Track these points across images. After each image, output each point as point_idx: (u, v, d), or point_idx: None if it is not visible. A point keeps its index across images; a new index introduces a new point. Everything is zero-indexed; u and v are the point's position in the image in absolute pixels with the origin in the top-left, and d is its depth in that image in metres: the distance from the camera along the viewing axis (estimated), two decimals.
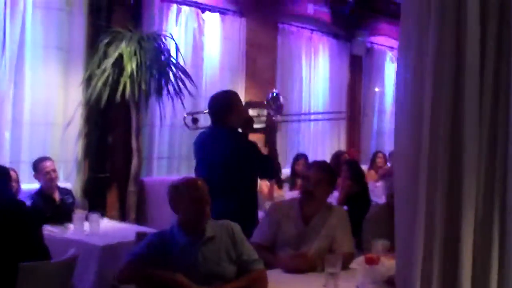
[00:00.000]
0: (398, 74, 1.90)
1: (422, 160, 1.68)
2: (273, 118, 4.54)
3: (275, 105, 4.64)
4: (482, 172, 1.64)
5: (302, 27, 8.10)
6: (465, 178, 1.64)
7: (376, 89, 9.48)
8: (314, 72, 8.33)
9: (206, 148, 4.12)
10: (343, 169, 6.46)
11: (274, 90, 5.11)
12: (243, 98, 7.26)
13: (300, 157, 7.38)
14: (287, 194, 6.59)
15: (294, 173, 7.27)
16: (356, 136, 9.15)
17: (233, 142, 4.05)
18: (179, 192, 3.01)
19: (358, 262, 2.99)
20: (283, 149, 7.80)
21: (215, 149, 4.03)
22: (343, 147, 8.91)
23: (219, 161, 3.97)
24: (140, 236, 3.44)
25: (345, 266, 3.07)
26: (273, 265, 3.37)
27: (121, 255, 3.64)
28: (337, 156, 7.64)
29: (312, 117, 8.35)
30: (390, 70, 9.67)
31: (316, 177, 3.64)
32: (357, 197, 6.08)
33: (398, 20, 1.83)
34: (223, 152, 3.98)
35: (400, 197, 1.80)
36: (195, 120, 4.45)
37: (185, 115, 4.67)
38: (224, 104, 4.13)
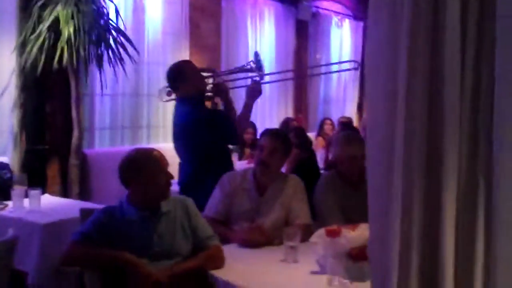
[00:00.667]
0: (370, 39, 1.72)
1: (398, 138, 1.53)
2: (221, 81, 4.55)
3: (257, 65, 4.49)
4: (464, 146, 1.50)
5: None
6: (445, 152, 1.50)
7: (318, 56, 9.35)
8: (260, 38, 8.13)
9: (174, 118, 4.17)
10: (291, 136, 6.32)
11: (255, 50, 5.17)
12: None
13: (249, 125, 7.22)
14: (237, 164, 6.43)
15: (242, 142, 7.10)
16: (303, 103, 9.05)
17: (188, 110, 3.99)
18: (135, 166, 2.80)
19: (318, 235, 2.86)
20: None
21: (176, 119, 4.10)
22: (290, 114, 8.80)
23: (179, 130, 4.04)
24: (84, 212, 3.21)
25: (304, 239, 2.94)
26: (228, 240, 3.22)
27: (65, 233, 3.40)
28: (286, 123, 7.52)
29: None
30: (336, 35, 9.58)
31: (270, 146, 3.49)
32: (305, 165, 5.97)
33: None
34: (180, 122, 4.02)
35: (374, 172, 1.65)
36: (169, 93, 4.33)
37: (162, 87, 4.54)
38: (176, 73, 4.13)
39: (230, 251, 2.98)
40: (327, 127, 8.30)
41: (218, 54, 7.50)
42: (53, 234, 3.67)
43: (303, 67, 9.07)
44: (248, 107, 4.26)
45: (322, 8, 9.30)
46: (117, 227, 2.75)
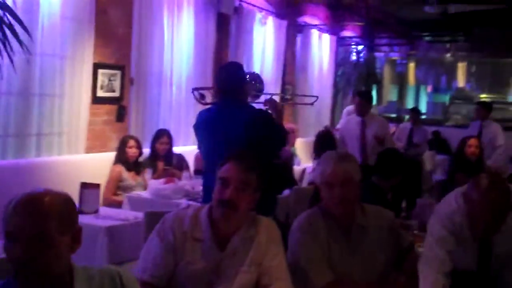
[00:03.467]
0: None
1: None
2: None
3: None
4: None
5: None
6: None
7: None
8: (177, 31, 6.92)
9: (219, 124, 3.75)
10: None
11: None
12: (91, 59, 5.72)
13: (163, 133, 6.01)
14: (152, 183, 5.21)
15: (155, 154, 5.89)
16: None
17: (256, 115, 3.75)
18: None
19: None
20: (140, 122, 6.37)
21: (236, 124, 3.67)
22: None
23: (240, 135, 3.62)
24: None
25: None
26: None
27: None
28: None
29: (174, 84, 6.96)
30: (259, 33, 8.54)
31: (239, 179, 2.37)
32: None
33: None
34: (246, 126, 3.64)
35: None
36: (202, 96, 4.44)
37: (193, 90, 4.66)
38: (242, 75, 3.97)
39: None
40: None
41: (128, 47, 6.23)
42: None
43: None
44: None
45: (246, 2, 8.24)
46: None
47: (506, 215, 2.59)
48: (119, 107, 6.11)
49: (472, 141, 5.82)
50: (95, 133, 5.84)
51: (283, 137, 4.16)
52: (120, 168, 5.52)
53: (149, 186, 5.19)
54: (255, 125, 3.66)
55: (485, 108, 8.30)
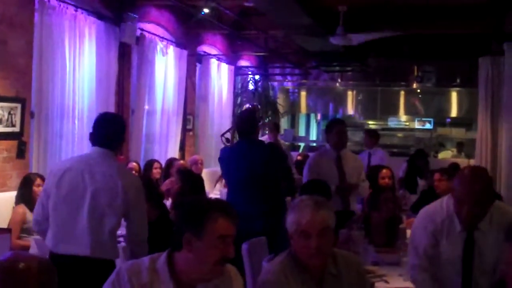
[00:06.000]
0: None
1: None
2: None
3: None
4: None
5: (65, 2, 6.32)
6: None
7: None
8: (79, 60, 6.61)
9: (240, 158, 4.80)
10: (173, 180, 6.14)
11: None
12: None
13: None
14: None
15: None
16: (125, 141, 7.64)
17: (267, 148, 5.09)
18: None
19: None
20: (41, 158, 5.98)
21: (252, 157, 4.74)
22: None
23: (256, 166, 4.72)
24: None
25: None
26: None
27: None
28: (169, 162, 7.34)
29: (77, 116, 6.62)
30: (161, 63, 8.37)
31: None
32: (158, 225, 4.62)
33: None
34: (262, 158, 4.77)
35: None
36: (227, 140, 6.10)
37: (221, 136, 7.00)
38: (256, 119, 5.26)
39: None
40: (155, 171, 7.06)
41: (29, 78, 5.87)
42: None
43: (125, 98, 7.71)
44: None
45: (147, 32, 8.06)
46: None
47: (488, 204, 2.96)
48: (19, 142, 5.71)
49: (385, 172, 5.97)
50: None
51: (289, 166, 5.62)
52: (24, 209, 5.11)
53: None
54: (268, 157, 4.84)
55: (371, 136, 8.43)
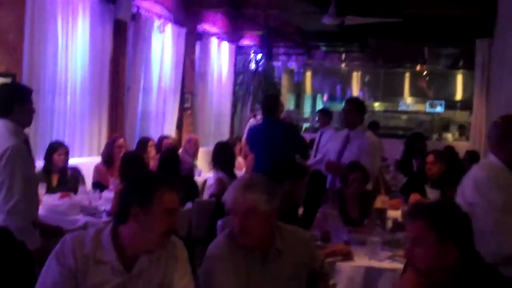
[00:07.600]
0: None
1: None
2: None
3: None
4: None
5: None
6: None
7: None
8: (72, 38, 6.65)
9: (265, 134, 5.86)
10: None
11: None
12: None
13: (59, 145, 5.71)
14: (46, 198, 4.95)
15: (49, 167, 5.57)
16: (119, 118, 7.71)
17: (288, 128, 6.13)
18: None
19: None
20: (32, 133, 6.04)
21: (274, 135, 5.79)
22: (105, 130, 7.42)
23: (278, 142, 5.71)
24: None
25: None
26: None
27: None
28: (160, 141, 7.42)
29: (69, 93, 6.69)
30: (158, 41, 8.39)
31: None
32: None
33: None
34: (283, 136, 5.80)
35: None
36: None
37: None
38: (278, 100, 6.27)
39: None
40: (150, 149, 7.06)
41: (20, 54, 5.90)
42: None
43: (119, 75, 7.73)
44: None
45: (144, 8, 8.06)
46: None
47: None
48: None
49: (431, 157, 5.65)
50: None
51: (306, 145, 6.83)
52: None
53: (42, 202, 4.92)
54: (288, 136, 5.84)
55: (323, 115, 8.60)
